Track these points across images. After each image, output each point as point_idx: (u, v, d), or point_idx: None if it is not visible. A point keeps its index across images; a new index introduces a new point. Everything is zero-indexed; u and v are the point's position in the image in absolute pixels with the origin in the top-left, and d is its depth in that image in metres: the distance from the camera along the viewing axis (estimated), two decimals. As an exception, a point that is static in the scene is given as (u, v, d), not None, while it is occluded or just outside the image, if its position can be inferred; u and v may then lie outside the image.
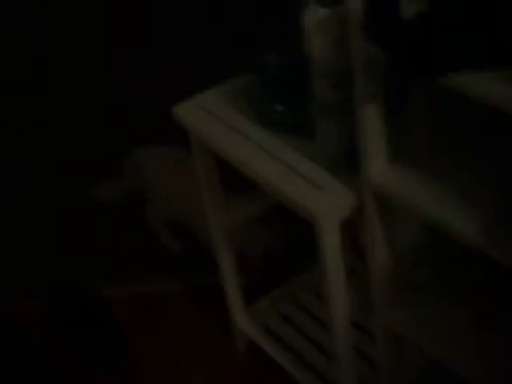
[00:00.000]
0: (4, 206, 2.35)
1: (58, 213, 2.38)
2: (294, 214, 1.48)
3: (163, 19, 2.15)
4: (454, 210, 1.24)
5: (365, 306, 1.64)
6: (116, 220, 2.40)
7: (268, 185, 1.53)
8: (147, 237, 2.38)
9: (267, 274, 2.12)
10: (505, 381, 1.38)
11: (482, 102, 1.03)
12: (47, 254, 2.35)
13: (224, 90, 1.76)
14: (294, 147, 1.57)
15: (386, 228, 1.44)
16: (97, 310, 2.23)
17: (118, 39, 2.14)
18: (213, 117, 1.68)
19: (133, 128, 2.23)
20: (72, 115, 2.31)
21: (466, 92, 1.05)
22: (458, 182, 1.30)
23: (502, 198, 1.24)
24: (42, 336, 2.21)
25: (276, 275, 2.15)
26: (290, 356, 1.98)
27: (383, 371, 1.68)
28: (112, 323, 2.19)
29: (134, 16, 2.11)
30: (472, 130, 1.39)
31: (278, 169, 1.53)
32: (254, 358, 2.10)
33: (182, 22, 2.15)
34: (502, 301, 1.48)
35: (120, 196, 2.37)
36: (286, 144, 1.59)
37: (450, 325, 1.47)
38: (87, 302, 2.26)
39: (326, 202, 1.44)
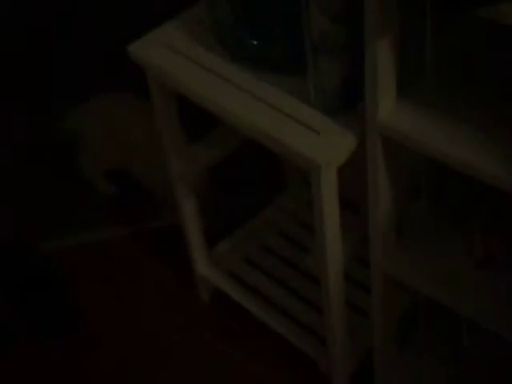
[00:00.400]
0: None
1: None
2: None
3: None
4: (478, 151, 1.19)
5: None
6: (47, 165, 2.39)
7: (254, 130, 1.44)
8: (81, 185, 2.34)
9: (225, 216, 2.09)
10: (506, 318, 1.37)
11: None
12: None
13: (185, 22, 1.65)
14: (278, 86, 1.47)
15: (388, 170, 1.38)
16: (40, 269, 2.15)
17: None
18: (176, 53, 1.59)
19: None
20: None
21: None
22: (473, 121, 1.23)
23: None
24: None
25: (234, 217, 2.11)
26: (258, 301, 1.95)
27: (376, 319, 1.66)
28: (59, 281, 2.12)
29: None
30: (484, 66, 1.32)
31: (264, 111, 1.44)
32: (218, 307, 2.07)
33: None
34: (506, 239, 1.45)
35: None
36: (267, 83, 1.48)
37: (450, 265, 1.44)
38: (27, 261, 2.17)
39: (326, 148, 1.36)
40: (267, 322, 1.91)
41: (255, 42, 1.49)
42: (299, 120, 1.41)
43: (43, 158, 2.41)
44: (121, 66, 1.96)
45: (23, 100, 2.56)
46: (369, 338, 1.74)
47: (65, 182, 2.36)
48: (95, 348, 2.02)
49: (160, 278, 2.14)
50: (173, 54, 1.58)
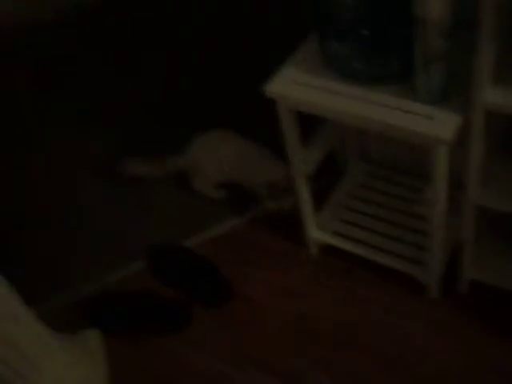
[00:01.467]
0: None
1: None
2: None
3: None
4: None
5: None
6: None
7: (384, 125, 1.55)
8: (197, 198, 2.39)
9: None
10: None
11: None
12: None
13: (298, 59, 1.73)
14: (387, 93, 1.59)
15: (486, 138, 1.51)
16: (193, 259, 2.18)
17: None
18: (301, 84, 1.67)
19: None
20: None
21: None
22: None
23: None
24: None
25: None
26: (359, 245, 2.04)
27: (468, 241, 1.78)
28: (210, 265, 2.14)
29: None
30: None
31: (387, 111, 1.56)
32: (326, 257, 2.15)
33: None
34: None
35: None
36: (380, 92, 1.60)
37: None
38: (184, 255, 2.20)
39: (441, 127, 1.50)
40: (370, 257, 1.99)
41: (366, 67, 1.60)
42: (414, 112, 1.53)
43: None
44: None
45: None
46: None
47: (187, 198, 2.40)
48: (246, 302, 2.08)
49: (277, 248, 2.19)
50: (299, 85, 1.66)
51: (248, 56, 2.62)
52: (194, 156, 2.30)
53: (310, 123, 1.89)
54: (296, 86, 1.68)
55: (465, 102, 1.51)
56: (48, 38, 3.03)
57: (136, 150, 2.47)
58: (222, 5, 2.80)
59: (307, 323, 2.00)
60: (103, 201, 2.45)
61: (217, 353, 1.98)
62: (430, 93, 1.53)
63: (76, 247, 2.32)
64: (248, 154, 2.24)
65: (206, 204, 2.35)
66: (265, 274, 2.14)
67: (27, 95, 2.94)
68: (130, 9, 3.03)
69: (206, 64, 2.81)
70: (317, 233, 2.11)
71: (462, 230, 1.77)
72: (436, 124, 1.51)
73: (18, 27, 3.06)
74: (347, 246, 2.06)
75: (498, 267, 1.86)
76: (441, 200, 1.66)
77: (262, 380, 1.90)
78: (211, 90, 2.68)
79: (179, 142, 2.34)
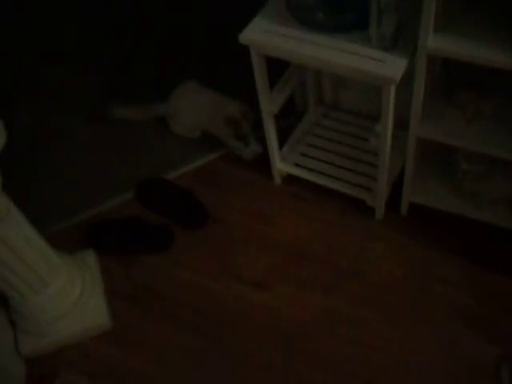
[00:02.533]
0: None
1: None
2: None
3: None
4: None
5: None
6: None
7: (344, 67, 1.60)
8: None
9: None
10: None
11: None
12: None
13: (268, 12, 1.76)
14: (344, 40, 1.63)
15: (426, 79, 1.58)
16: (173, 189, 2.22)
17: None
18: (270, 32, 1.70)
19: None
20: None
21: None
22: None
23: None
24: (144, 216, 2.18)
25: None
26: (316, 174, 2.11)
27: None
28: (188, 193, 2.19)
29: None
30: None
31: (344, 54, 1.61)
32: (288, 186, 2.21)
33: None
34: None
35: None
36: (338, 39, 1.63)
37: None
38: (166, 186, 2.24)
39: (391, 69, 1.56)
40: (326, 184, 2.05)
41: (327, 16, 1.63)
42: (369, 56, 1.59)
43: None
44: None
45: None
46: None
47: (167, 139, 2.41)
48: (221, 224, 2.12)
49: (246, 179, 2.24)
50: (269, 34, 1.69)
51: (224, 10, 2.63)
52: (174, 103, 2.33)
53: (275, 71, 1.93)
54: (266, 34, 1.70)
55: (410, 47, 1.58)
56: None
57: (122, 98, 2.48)
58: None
59: (271, 239, 2.07)
60: (95, 141, 2.45)
61: (196, 267, 2.04)
62: (382, 40, 1.58)
63: (73, 181, 2.33)
64: (214, 101, 2.27)
65: (183, 144, 2.38)
66: (237, 201, 2.18)
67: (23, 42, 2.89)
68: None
69: (189, 20, 2.81)
70: (280, 164, 2.16)
71: (405, 160, 1.85)
72: (387, 66, 1.57)
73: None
74: (306, 175, 2.13)
75: (431, 191, 1.96)
76: (388, 132, 1.73)
77: (236, 288, 1.98)
78: (191, 43, 2.71)
79: (161, 90, 2.38)
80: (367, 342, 1.81)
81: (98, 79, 2.65)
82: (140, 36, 2.81)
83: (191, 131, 2.37)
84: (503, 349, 1.74)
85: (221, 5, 2.63)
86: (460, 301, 1.85)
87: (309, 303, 1.91)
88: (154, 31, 2.81)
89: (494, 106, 1.67)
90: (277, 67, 1.90)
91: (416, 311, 1.85)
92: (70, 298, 1.90)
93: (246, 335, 1.87)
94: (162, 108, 2.36)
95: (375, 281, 1.93)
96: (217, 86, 2.31)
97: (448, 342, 1.78)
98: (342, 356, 1.79)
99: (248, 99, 2.11)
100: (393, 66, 1.57)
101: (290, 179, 2.19)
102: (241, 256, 2.04)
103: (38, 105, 2.61)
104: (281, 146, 2.16)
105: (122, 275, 2.05)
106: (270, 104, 1.93)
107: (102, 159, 2.38)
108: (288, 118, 2.28)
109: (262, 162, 2.22)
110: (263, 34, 1.71)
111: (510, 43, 1.43)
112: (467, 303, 1.85)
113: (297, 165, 2.16)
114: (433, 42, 1.48)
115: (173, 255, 2.07)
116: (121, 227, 2.12)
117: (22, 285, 1.76)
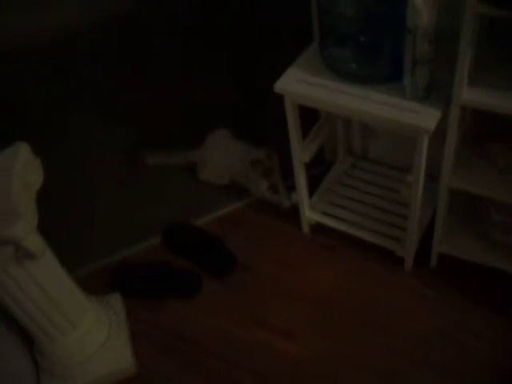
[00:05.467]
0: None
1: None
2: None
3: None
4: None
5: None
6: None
7: (377, 118, 1.64)
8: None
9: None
10: None
11: None
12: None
13: (302, 62, 1.82)
14: (380, 92, 1.68)
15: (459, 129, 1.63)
16: (202, 235, 2.24)
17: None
18: (304, 82, 1.75)
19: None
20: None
21: None
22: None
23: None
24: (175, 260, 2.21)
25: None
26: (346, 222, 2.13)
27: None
28: (216, 240, 2.21)
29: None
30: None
31: (378, 105, 1.65)
32: (316, 235, 2.23)
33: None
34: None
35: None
36: (374, 91, 1.68)
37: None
38: (194, 231, 2.27)
39: (425, 120, 1.60)
40: (355, 234, 2.06)
41: (361, 67, 1.70)
42: (402, 107, 1.63)
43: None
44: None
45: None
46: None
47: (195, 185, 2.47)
48: (249, 273, 2.13)
49: (274, 227, 2.25)
50: (303, 84, 1.75)
51: (259, 61, 2.72)
52: (206, 150, 2.40)
53: (307, 122, 1.98)
54: (301, 84, 1.76)
55: (443, 98, 1.63)
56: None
57: (154, 144, 2.57)
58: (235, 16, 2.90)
59: (298, 289, 2.07)
60: (124, 184, 2.51)
61: (223, 314, 2.04)
62: (415, 91, 1.63)
63: (102, 224, 2.37)
64: (244, 149, 2.33)
65: (212, 190, 2.43)
66: (265, 249, 2.20)
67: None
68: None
69: (219, 71, 2.91)
70: (310, 213, 2.19)
71: (436, 210, 1.88)
72: (421, 117, 1.61)
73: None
74: (335, 224, 2.15)
75: (460, 241, 1.96)
76: (420, 182, 1.76)
77: (262, 336, 1.97)
78: (223, 93, 2.78)
79: (192, 138, 2.45)
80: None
81: (130, 129, 2.73)
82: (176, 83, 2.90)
83: (219, 179, 2.42)
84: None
85: (254, 54, 2.72)
86: (493, 356, 1.83)
87: (336, 354, 1.90)
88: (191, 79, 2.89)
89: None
90: (306, 116, 1.94)
91: (448, 365, 1.83)
92: (97, 341, 1.91)
93: (272, 384, 1.86)
94: (195, 154, 2.42)
95: (405, 333, 1.92)
96: (247, 137, 2.38)
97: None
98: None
99: (278, 149, 2.16)
100: (427, 117, 1.61)
101: (318, 228, 2.21)
102: (268, 305, 2.04)
103: (72, 148, 2.70)
104: (310, 195, 2.20)
105: (148, 320, 2.06)
106: (301, 153, 1.97)
107: (131, 202, 2.43)
108: (317, 167, 2.32)
109: (291, 211, 2.25)
110: (298, 84, 1.76)
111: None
112: (500, 358, 1.82)
113: (326, 214, 2.19)
114: (467, 93, 1.53)
115: (199, 302, 2.08)
116: (147, 272, 2.14)
117: (51, 326, 1.78)
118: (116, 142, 2.67)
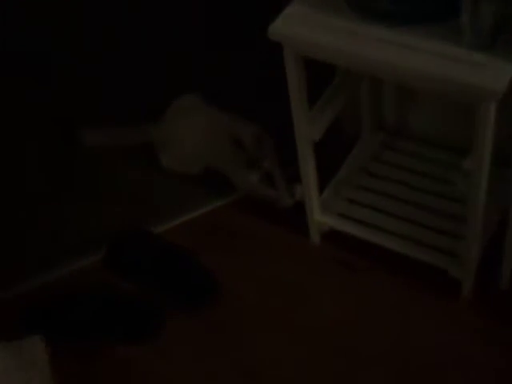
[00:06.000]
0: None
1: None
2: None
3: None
4: None
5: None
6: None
7: (419, 75, 1.58)
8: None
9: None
10: None
11: None
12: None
13: None
14: (427, 37, 1.61)
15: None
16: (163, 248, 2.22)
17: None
18: (311, 24, 1.70)
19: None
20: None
21: None
22: None
23: None
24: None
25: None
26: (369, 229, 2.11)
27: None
28: (186, 254, 2.20)
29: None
30: None
31: (426, 59, 1.58)
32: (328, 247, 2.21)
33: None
34: None
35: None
36: (414, 35, 1.62)
37: None
38: (151, 243, 2.24)
39: (491, 78, 1.52)
40: (384, 245, 2.04)
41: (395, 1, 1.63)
42: (456, 58, 1.55)
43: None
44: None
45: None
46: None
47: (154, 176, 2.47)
48: (232, 301, 2.11)
49: (267, 235, 2.25)
50: (311, 26, 1.68)
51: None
52: (166, 126, 2.39)
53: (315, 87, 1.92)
54: (307, 26, 1.70)
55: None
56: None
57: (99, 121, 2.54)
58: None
59: (303, 324, 2.06)
60: (52, 173, 2.50)
61: (194, 363, 2.02)
62: (478, 36, 1.56)
63: (14, 234, 2.35)
64: (221, 123, 2.33)
65: (179, 183, 2.42)
66: (256, 268, 2.19)
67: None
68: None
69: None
70: (320, 215, 2.16)
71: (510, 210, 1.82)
72: (485, 73, 1.54)
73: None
74: (356, 231, 2.12)
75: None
76: (484, 170, 1.70)
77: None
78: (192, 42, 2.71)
79: (148, 108, 2.44)
80: None
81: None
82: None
83: (189, 165, 2.40)
84: None
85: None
86: None
87: None
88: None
89: None
90: (318, 79, 1.89)
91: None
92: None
93: None
94: (150, 133, 2.40)
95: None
96: (228, 105, 2.33)
97: None
98: None
99: (274, 123, 2.14)
100: (494, 73, 1.53)
101: (332, 236, 2.18)
102: (260, 347, 2.01)
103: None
104: (321, 188, 2.16)
105: (83, 375, 2.02)
106: (308, 127, 1.92)
107: (60, 200, 2.41)
108: (332, 149, 2.26)
109: (293, 212, 2.23)
110: (302, 27, 1.71)
111: None
112: None
113: (343, 216, 2.16)
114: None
115: (160, 348, 2.05)
116: (83, 304, 2.10)
117: None
118: (42, 114, 2.62)
